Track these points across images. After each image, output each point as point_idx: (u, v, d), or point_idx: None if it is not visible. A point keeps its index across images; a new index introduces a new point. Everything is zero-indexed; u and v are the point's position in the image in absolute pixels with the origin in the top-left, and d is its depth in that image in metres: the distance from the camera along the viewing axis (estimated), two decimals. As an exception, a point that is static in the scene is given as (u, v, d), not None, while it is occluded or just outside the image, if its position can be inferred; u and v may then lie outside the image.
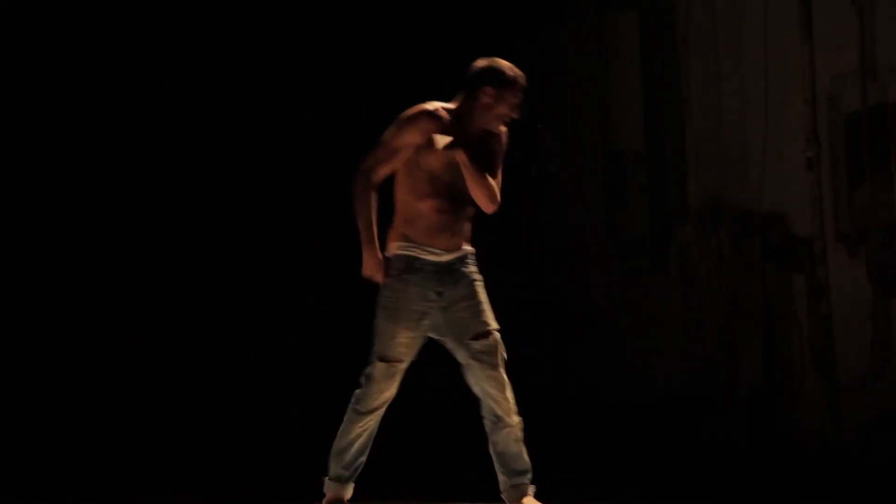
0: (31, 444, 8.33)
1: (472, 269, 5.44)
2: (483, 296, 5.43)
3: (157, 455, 8.39)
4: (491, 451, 5.46)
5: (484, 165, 5.32)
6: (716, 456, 7.79)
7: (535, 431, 5.97)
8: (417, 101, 5.36)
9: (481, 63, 5.36)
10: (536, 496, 5.47)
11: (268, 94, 9.01)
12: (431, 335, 5.44)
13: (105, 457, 8.31)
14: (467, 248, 5.45)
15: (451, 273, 5.40)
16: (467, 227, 5.44)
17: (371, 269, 5.35)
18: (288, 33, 9.10)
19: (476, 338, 5.39)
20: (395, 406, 5.47)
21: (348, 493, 5.46)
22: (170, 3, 8.84)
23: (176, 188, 8.84)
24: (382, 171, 5.35)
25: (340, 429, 5.43)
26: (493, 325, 5.42)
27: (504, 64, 5.34)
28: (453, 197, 5.35)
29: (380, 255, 5.34)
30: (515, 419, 5.43)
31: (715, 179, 8.04)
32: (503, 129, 5.42)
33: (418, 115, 5.31)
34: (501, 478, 5.47)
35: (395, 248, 5.40)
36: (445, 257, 5.40)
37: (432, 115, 5.31)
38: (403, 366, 5.40)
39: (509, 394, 5.41)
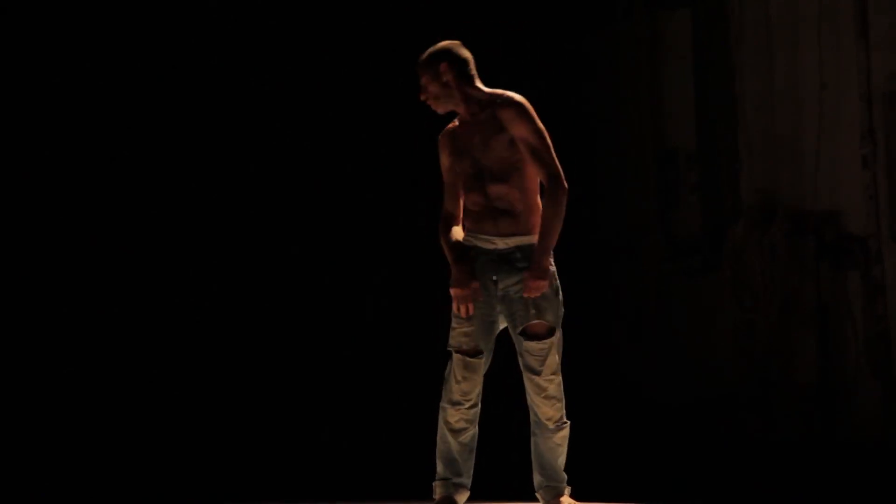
0: (38, 446, 8.37)
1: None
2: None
3: (159, 457, 8.42)
4: (532, 447, 5.43)
5: (491, 138, 5.35)
6: (768, 456, 7.73)
7: (585, 431, 5.94)
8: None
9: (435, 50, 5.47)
10: (575, 496, 5.42)
11: (289, 95, 9.02)
12: (503, 325, 5.43)
13: (107, 460, 8.34)
14: (531, 238, 5.37)
15: (508, 262, 5.36)
16: (517, 215, 5.34)
17: (459, 283, 5.34)
18: (335, 32, 9.10)
19: (527, 335, 5.35)
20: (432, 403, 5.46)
21: (460, 497, 5.40)
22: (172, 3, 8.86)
23: (179, 190, 8.83)
24: (451, 204, 5.50)
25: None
26: (548, 320, 5.33)
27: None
28: (479, 186, 5.36)
29: (466, 269, 5.35)
30: (553, 425, 5.35)
31: (768, 178, 7.98)
32: (516, 99, 5.39)
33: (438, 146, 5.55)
34: (537, 476, 5.43)
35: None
36: (500, 245, 5.36)
37: (439, 139, 5.53)
38: (479, 359, 5.34)
39: (552, 400, 5.33)
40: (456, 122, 5.51)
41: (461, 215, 5.50)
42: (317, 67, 9.03)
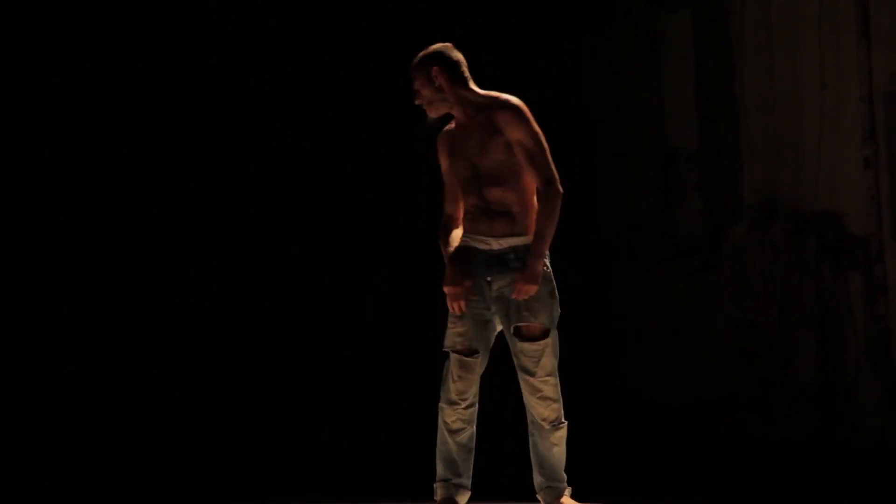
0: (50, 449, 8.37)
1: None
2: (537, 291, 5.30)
3: (159, 457, 8.42)
4: (530, 448, 5.41)
5: (486, 141, 5.32)
6: (768, 456, 7.72)
7: (586, 432, 5.93)
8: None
9: (433, 50, 5.42)
10: (575, 496, 5.41)
11: (291, 96, 9.01)
12: (500, 326, 5.42)
13: (107, 460, 8.33)
14: (526, 239, 5.32)
15: (502, 263, 5.33)
16: (513, 216, 5.30)
17: (451, 280, 5.33)
18: (337, 33, 9.10)
19: (522, 336, 5.33)
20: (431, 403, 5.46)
21: (461, 498, 5.38)
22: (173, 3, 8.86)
23: (179, 190, 8.82)
24: (451, 207, 5.48)
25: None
26: (540, 320, 5.29)
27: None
28: (475, 189, 5.33)
29: (458, 268, 5.33)
30: (548, 426, 5.32)
31: (769, 178, 7.97)
32: (512, 101, 5.32)
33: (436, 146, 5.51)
34: (537, 477, 5.41)
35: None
36: (495, 245, 5.33)
37: (437, 140, 5.48)
38: (475, 359, 5.32)
39: (548, 401, 5.30)
40: (452, 124, 5.46)
41: (461, 217, 5.49)
42: (316, 67, 9.02)
